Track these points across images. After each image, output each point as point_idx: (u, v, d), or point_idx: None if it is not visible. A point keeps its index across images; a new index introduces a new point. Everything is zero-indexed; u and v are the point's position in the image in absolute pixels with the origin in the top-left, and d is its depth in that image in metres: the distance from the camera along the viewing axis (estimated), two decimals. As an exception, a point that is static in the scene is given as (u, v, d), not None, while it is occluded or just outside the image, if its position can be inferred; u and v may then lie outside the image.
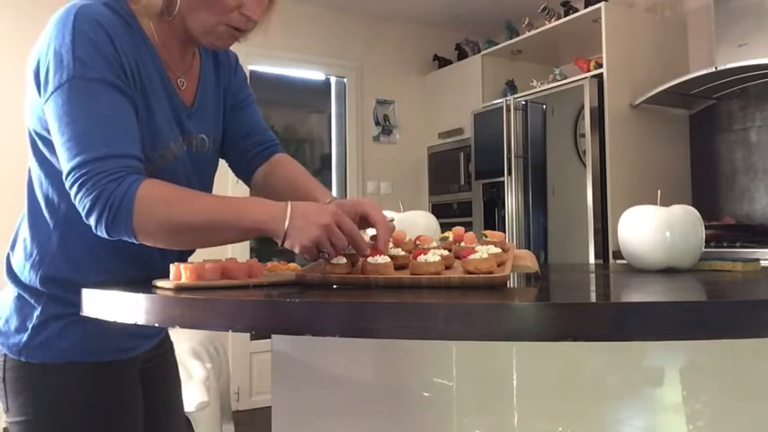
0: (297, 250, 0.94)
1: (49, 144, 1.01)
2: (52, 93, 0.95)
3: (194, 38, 1.07)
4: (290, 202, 0.94)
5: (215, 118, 1.21)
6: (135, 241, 0.94)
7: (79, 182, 0.92)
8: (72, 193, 0.94)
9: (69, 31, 0.95)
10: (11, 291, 1.09)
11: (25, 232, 1.08)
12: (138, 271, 1.08)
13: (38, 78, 0.98)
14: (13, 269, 1.09)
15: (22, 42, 3.40)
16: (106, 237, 0.94)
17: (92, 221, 0.93)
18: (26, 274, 1.07)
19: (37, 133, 1.03)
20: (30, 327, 1.05)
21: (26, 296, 1.07)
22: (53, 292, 1.05)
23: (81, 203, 0.93)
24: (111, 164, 0.92)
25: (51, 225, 1.06)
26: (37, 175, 1.06)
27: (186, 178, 1.11)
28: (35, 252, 1.06)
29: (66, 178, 0.94)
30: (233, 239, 0.99)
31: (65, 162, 0.94)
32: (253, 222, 0.94)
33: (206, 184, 1.21)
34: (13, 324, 1.07)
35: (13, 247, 1.11)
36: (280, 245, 0.94)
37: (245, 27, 1.06)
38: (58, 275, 1.05)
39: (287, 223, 0.92)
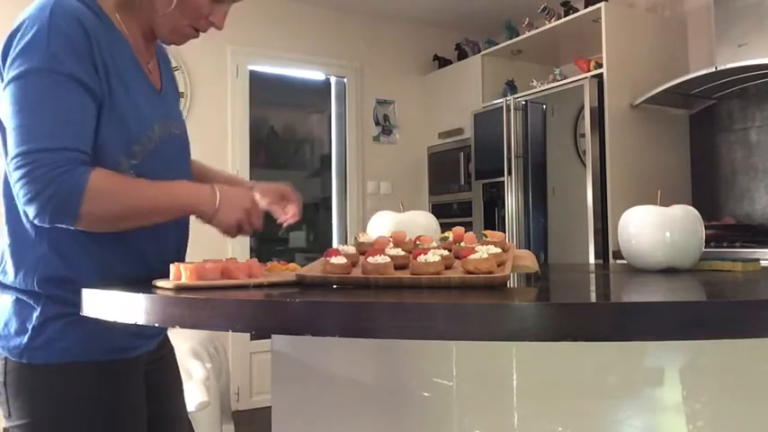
0: (221, 229, 1.11)
1: None
2: (18, 78, 0.97)
3: (156, 33, 1.16)
4: (216, 187, 1.09)
5: (176, 104, 1.29)
6: (71, 227, 0.99)
7: (27, 168, 0.94)
8: (14, 177, 0.96)
9: (45, 24, 0.98)
10: (8, 296, 1.08)
11: (8, 240, 1.07)
12: (133, 264, 1.09)
13: (4, 63, 0.99)
14: (6, 279, 1.07)
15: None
16: (44, 225, 0.98)
17: (32, 208, 0.96)
18: (21, 279, 1.06)
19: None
20: (30, 328, 1.04)
21: (24, 299, 1.06)
22: (52, 292, 1.05)
23: (23, 189, 0.95)
24: (59, 156, 0.95)
25: (33, 230, 1.04)
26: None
27: (174, 160, 1.17)
28: (27, 257, 1.05)
29: (12, 160, 0.95)
30: (167, 220, 1.10)
31: (15, 145, 0.95)
32: (186, 205, 1.08)
33: (187, 170, 1.25)
34: (13, 327, 1.06)
35: (3, 255, 1.08)
36: (205, 222, 1.09)
37: (205, 31, 1.18)
38: (56, 275, 1.05)
39: (217, 205, 1.07)
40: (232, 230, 1.11)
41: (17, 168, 0.95)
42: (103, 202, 0.98)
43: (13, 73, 0.97)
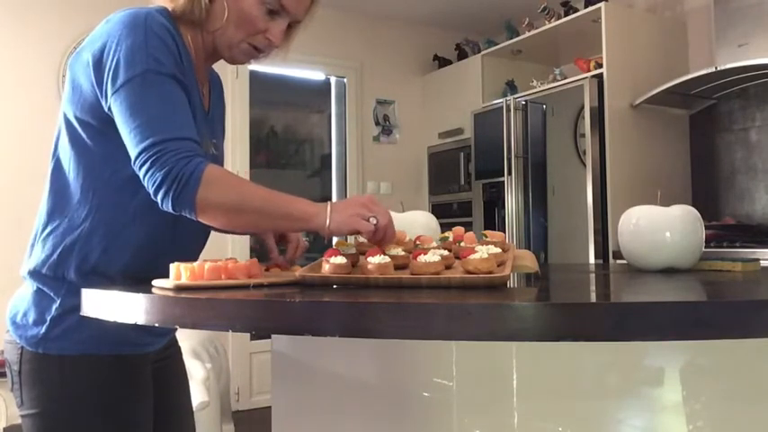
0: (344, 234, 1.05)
1: (92, 132, 1.07)
2: (125, 83, 1.01)
3: (218, 51, 1.19)
4: (329, 202, 1.03)
5: (221, 129, 1.32)
6: (194, 217, 1.01)
7: (152, 159, 0.99)
8: (143, 171, 1.00)
9: (142, 32, 1.04)
10: (29, 286, 1.12)
11: (50, 226, 1.11)
12: (156, 271, 1.10)
13: (101, 71, 1.04)
14: (36, 264, 1.11)
15: (19, 42, 3.40)
16: (171, 211, 1.01)
17: (159, 195, 0.99)
18: (53, 263, 1.09)
19: (80, 120, 1.08)
20: (48, 319, 1.08)
21: (45, 289, 1.10)
22: (78, 281, 1.07)
23: (152, 178, 0.99)
24: (181, 144, 1.00)
25: (83, 214, 1.09)
26: (71, 164, 1.10)
27: None
28: (67, 239, 1.09)
29: (138, 156, 1.00)
30: (280, 227, 1.11)
31: (136, 143, 1.00)
32: (300, 213, 1.03)
33: None
34: (32, 317, 1.09)
35: (34, 244, 1.13)
36: (323, 234, 1.03)
37: (265, 49, 1.19)
38: (87, 262, 1.08)
39: (328, 221, 1.00)
40: (361, 225, 0.99)
41: (144, 163, 0.99)
42: (218, 189, 1.00)
43: (120, 80, 1.02)
